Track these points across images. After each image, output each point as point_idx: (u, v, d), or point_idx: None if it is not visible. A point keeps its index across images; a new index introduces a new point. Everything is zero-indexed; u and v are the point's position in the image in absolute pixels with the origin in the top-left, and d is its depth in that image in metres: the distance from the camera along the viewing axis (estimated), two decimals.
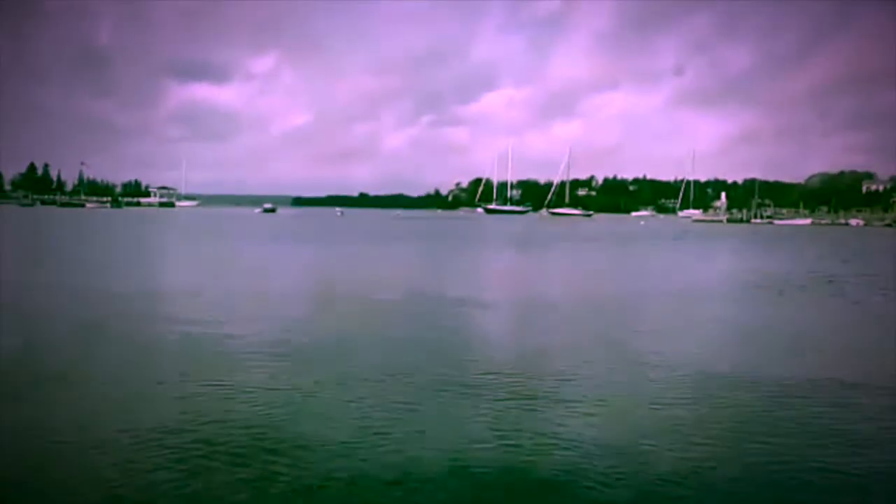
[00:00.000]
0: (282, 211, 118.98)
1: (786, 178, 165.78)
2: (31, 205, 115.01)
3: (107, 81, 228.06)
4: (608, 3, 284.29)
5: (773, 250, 34.48)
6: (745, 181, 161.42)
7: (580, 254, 30.10)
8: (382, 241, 35.81)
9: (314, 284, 16.70)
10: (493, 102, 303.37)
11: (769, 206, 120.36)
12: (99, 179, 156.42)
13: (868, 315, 12.67)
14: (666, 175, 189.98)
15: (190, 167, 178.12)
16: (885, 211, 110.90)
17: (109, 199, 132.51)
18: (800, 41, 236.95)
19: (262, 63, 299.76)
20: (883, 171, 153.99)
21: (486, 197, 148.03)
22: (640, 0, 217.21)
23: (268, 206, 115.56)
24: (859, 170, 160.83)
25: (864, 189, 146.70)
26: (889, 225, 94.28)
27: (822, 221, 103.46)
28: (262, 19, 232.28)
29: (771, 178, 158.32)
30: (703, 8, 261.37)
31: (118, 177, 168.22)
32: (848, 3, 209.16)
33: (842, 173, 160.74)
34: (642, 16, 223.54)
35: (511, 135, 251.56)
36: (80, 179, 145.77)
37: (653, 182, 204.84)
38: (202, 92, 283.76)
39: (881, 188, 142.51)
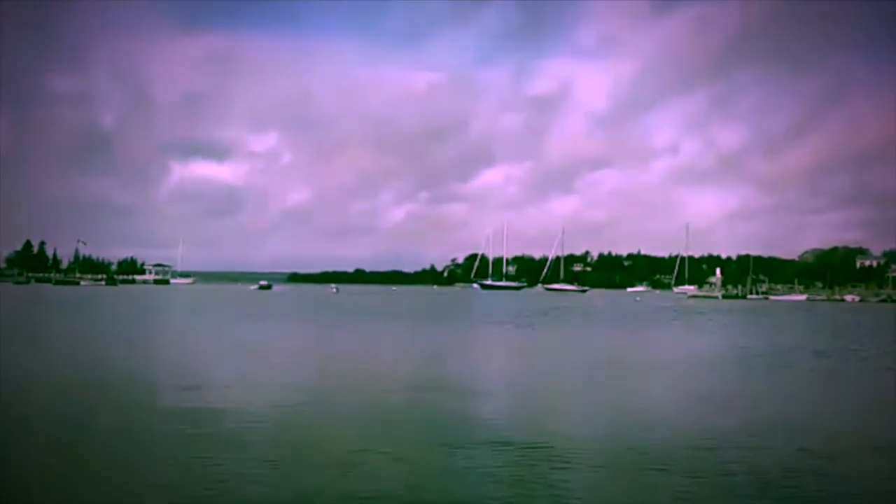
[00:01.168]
0: (277, 288, 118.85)
1: (780, 254, 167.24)
2: (26, 282, 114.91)
3: (108, 162, 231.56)
4: (604, 84, 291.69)
5: (774, 326, 34.29)
6: (740, 257, 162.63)
7: (581, 330, 29.89)
8: (377, 319, 35.59)
9: (302, 373, 16.44)
10: (490, 179, 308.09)
11: (764, 281, 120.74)
12: (95, 257, 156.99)
13: (858, 390, 12.46)
14: (660, 251, 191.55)
15: (188, 244, 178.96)
16: (880, 287, 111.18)
17: (104, 276, 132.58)
18: (793, 120, 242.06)
19: (264, 141, 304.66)
20: (876, 247, 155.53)
21: (482, 272, 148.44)
22: (635, 82, 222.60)
23: (263, 283, 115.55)
24: (852, 245, 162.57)
25: (857, 264, 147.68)
26: (884, 301, 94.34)
27: (818, 297, 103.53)
28: (265, 100, 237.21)
29: (765, 254, 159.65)
30: (698, 88, 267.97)
31: (115, 254, 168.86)
32: (839, 84, 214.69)
33: (835, 249, 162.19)
34: (638, 96, 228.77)
35: (508, 210, 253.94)
36: (76, 257, 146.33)
37: (647, 257, 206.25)
38: (203, 170, 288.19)
39: (874, 264, 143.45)
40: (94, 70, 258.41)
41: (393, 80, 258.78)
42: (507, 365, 18.52)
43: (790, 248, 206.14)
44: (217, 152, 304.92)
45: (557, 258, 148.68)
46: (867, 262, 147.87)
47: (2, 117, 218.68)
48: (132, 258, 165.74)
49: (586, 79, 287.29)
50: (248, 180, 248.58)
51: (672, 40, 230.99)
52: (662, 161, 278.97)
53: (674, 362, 18.52)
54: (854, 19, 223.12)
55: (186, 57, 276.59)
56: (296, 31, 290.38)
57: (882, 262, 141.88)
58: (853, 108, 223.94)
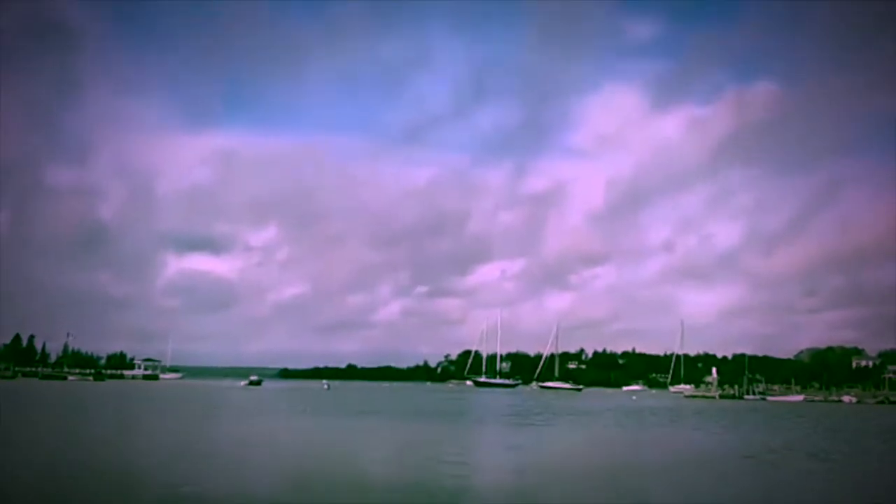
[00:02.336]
0: (267, 384, 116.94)
1: (775, 353, 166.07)
2: (13, 377, 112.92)
3: (105, 255, 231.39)
4: (600, 182, 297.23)
5: (779, 428, 33.64)
6: (735, 356, 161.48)
7: (582, 432, 29.22)
8: (371, 417, 34.80)
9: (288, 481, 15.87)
10: (487, 274, 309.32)
11: (761, 381, 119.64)
12: (84, 350, 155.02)
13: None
14: (655, 348, 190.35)
15: (179, 338, 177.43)
16: (877, 388, 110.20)
17: (92, 371, 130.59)
18: (787, 219, 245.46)
19: (262, 235, 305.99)
20: (871, 347, 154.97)
21: (476, 369, 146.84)
22: (630, 180, 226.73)
23: (253, 378, 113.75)
24: (848, 345, 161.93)
25: (853, 365, 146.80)
26: (881, 402, 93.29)
27: (816, 398, 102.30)
28: (265, 195, 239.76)
29: (760, 353, 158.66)
30: (693, 187, 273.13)
31: (106, 347, 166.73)
32: (832, 184, 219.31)
33: (831, 349, 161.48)
34: (633, 194, 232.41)
35: (503, 306, 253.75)
36: (65, 351, 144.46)
37: (642, 355, 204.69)
38: (200, 263, 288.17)
39: (870, 364, 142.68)
40: (96, 164, 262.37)
41: (392, 175, 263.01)
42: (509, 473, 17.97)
43: (786, 347, 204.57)
44: (214, 246, 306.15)
45: (552, 355, 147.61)
46: (863, 363, 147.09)
47: (1, 209, 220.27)
48: (121, 352, 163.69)
49: (583, 177, 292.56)
50: (243, 274, 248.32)
51: (667, 140, 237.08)
52: (658, 258, 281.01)
53: (690, 465, 18.01)
54: (845, 123, 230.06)
55: (189, 152, 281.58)
56: (298, 129, 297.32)
57: (878, 362, 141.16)
58: (846, 209, 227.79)
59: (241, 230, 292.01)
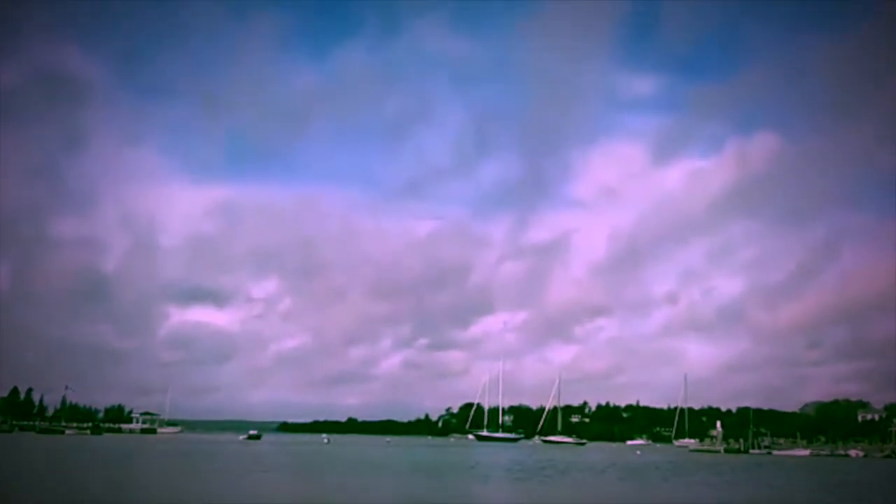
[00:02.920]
0: (267, 437, 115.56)
1: (780, 406, 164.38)
2: (10, 431, 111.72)
3: (106, 307, 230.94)
4: (603, 234, 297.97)
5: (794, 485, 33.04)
6: (740, 409, 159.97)
7: (590, 490, 28.70)
8: (374, 475, 34.28)
9: None
10: (489, 326, 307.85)
11: (766, 435, 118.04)
12: (82, 404, 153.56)
13: None
14: (659, 401, 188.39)
15: (179, 391, 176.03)
16: (884, 441, 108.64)
17: (89, 425, 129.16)
18: (790, 271, 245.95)
19: (264, 287, 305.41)
20: (877, 400, 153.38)
21: (478, 422, 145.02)
22: (633, 232, 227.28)
23: (252, 432, 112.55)
24: (853, 398, 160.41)
25: (859, 418, 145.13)
26: (889, 456, 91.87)
27: (822, 452, 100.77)
28: (267, 247, 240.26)
29: (765, 406, 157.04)
30: (696, 239, 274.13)
31: (104, 400, 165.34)
32: (835, 237, 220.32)
33: (836, 402, 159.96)
34: (636, 246, 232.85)
35: (505, 358, 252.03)
36: (63, 404, 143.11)
37: (646, 409, 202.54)
38: (201, 315, 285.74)
39: (876, 417, 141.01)
40: (99, 215, 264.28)
41: (394, 228, 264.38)
42: None
43: (790, 400, 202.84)
44: (216, 297, 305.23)
45: (555, 408, 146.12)
46: (869, 416, 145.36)
47: (2, 260, 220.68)
48: (120, 405, 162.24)
49: (585, 228, 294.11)
50: (244, 326, 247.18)
51: (668, 192, 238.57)
52: (661, 310, 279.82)
53: None
54: (845, 177, 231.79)
55: (192, 204, 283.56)
56: (300, 181, 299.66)
57: (884, 415, 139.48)
58: (848, 262, 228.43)
59: (243, 281, 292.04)
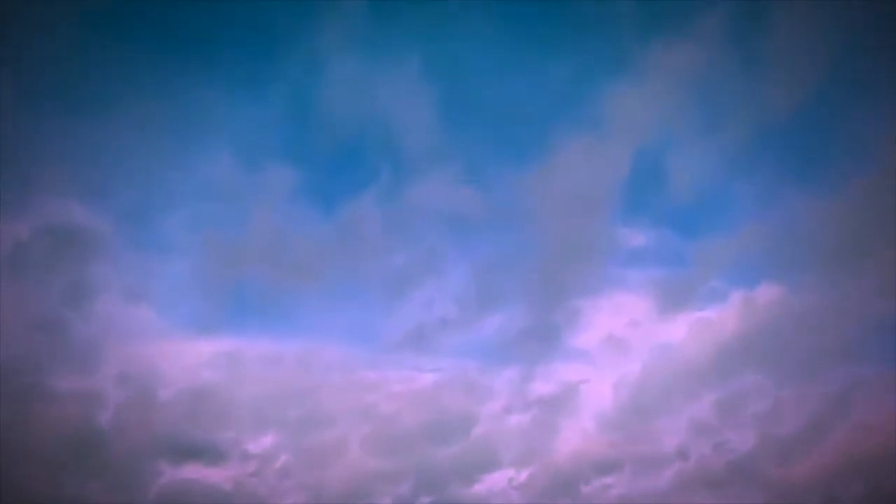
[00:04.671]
0: None
1: None
2: None
3: (98, 463, 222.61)
4: (611, 386, 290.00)
5: None
6: None
7: None
8: None
9: None
10: (494, 483, 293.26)
11: None
12: None
13: None
14: None
15: None
16: None
17: None
18: (802, 425, 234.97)
19: (261, 442, 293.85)
20: None
21: None
22: (641, 384, 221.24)
23: None
24: None
25: None
26: None
27: None
28: (267, 400, 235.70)
29: None
30: (705, 391, 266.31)
31: None
32: (846, 390, 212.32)
33: None
34: (644, 399, 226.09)
35: None
36: None
37: None
38: (195, 473, 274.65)
39: None
40: (99, 370, 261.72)
41: (397, 380, 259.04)
42: None
43: None
44: (211, 453, 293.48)
45: None
46: None
47: None
48: None
49: (591, 380, 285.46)
50: (238, 485, 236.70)
51: (674, 343, 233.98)
52: (672, 465, 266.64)
53: None
54: (853, 328, 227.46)
55: (192, 356, 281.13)
56: (305, 332, 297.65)
57: None
58: (861, 414, 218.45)
59: (240, 436, 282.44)
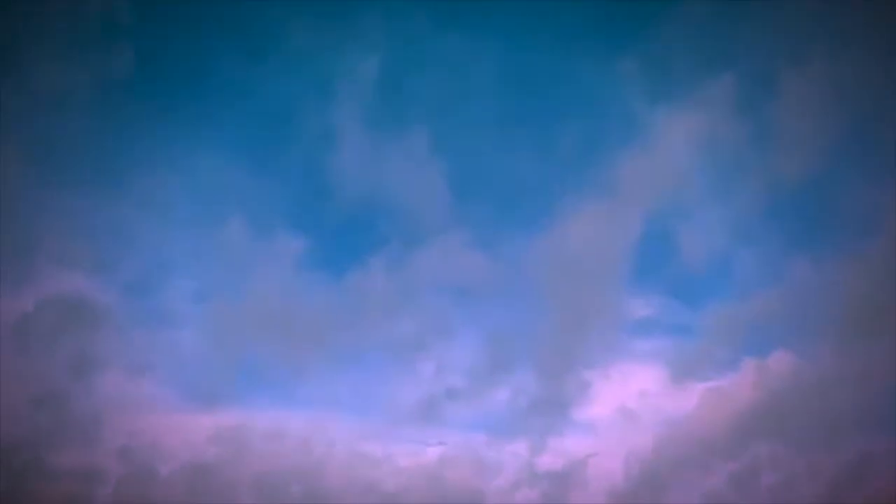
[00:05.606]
0: None
1: None
2: None
3: None
4: (621, 459, 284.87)
5: None
6: None
7: None
8: None
9: None
10: None
11: None
12: None
13: None
14: None
15: None
16: None
17: None
18: (817, 496, 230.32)
19: None
20: None
21: None
22: (652, 457, 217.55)
23: None
24: None
25: None
26: None
27: None
28: (271, 474, 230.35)
29: None
30: (717, 463, 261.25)
31: None
32: (861, 461, 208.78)
33: None
34: (656, 472, 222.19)
35: None
36: None
37: None
38: None
39: None
40: (100, 445, 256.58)
41: (403, 453, 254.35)
42: None
43: None
44: None
45: None
46: None
47: None
48: None
49: (602, 452, 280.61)
50: None
51: (686, 414, 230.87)
52: None
53: None
54: (865, 398, 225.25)
55: (195, 431, 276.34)
56: (310, 405, 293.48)
57: None
58: (877, 485, 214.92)
59: None
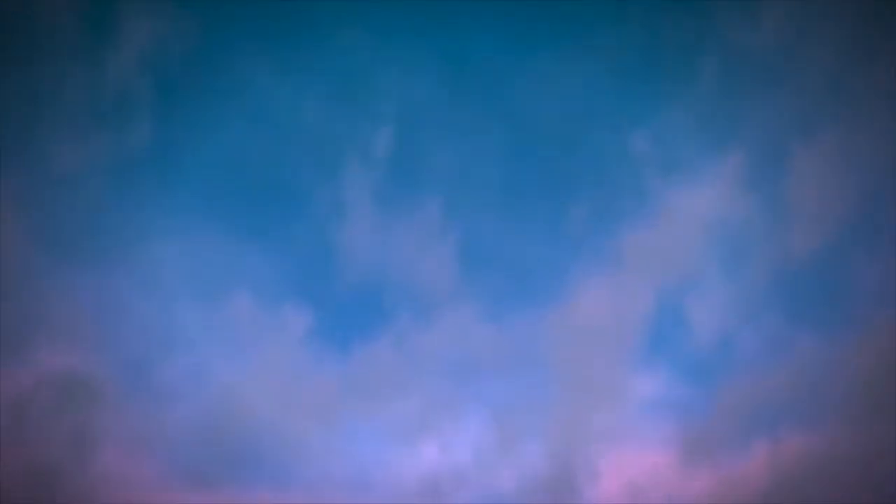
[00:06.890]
0: None
1: None
2: None
3: None
4: None
5: None
6: None
7: None
8: None
9: None
10: None
11: None
12: None
13: None
14: None
15: None
16: None
17: None
18: None
19: None
20: None
21: None
22: None
23: None
24: None
25: None
26: None
27: None
28: None
29: None
30: None
31: None
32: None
33: None
34: None
35: None
36: None
37: None
38: None
39: None
40: None
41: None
42: None
43: None
44: None
45: None
46: None
47: None
48: None
49: None
50: None
51: (699, 494, 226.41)
52: None
53: None
54: (887, 480, 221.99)
55: None
56: (314, 483, 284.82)
57: None
58: None
59: None
